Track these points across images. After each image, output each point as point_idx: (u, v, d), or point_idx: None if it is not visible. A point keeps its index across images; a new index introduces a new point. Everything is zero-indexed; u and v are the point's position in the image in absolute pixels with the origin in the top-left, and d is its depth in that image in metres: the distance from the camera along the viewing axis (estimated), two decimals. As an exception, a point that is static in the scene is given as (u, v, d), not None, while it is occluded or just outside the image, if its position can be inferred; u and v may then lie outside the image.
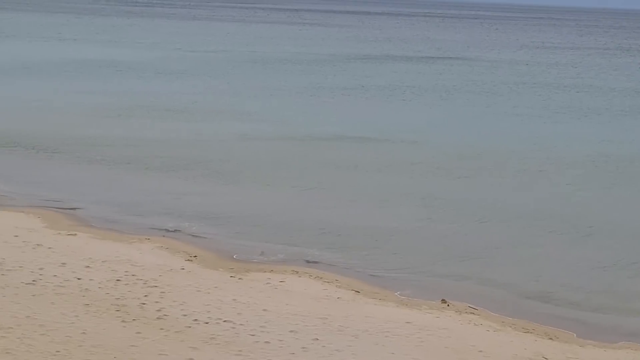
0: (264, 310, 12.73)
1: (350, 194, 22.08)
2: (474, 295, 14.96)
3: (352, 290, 14.47)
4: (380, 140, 30.00)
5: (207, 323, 11.93)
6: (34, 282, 13.11)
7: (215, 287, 13.77)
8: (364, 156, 27.09)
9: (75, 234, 16.54)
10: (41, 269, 13.82)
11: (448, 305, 14.19)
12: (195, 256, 15.87)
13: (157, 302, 12.66)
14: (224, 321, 12.06)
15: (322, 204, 21.09)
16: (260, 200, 21.19)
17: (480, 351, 11.82)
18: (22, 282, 13.07)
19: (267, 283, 14.34)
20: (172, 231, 17.84)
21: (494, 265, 16.85)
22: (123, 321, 11.73)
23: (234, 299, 13.12)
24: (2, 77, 42.99)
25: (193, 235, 17.67)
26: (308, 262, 16.31)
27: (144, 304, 12.54)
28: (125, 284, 13.44)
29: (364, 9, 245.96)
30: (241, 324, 12.00)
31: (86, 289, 13.04)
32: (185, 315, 12.18)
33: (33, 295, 12.48)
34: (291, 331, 11.90)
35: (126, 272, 14.16)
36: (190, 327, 11.75)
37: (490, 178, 24.83)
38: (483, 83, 50.88)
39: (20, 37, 69.78)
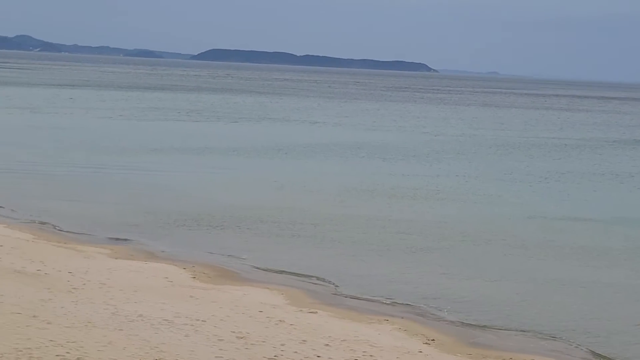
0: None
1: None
2: None
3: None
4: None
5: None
6: (275, 358, 13.43)
7: (453, 372, 13.57)
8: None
9: (316, 312, 16.84)
10: (283, 345, 14.14)
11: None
12: (433, 339, 15.74)
13: (393, 384, 12.61)
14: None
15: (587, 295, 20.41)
16: (509, 287, 20.82)
17: None
18: (264, 357, 13.41)
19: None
20: (410, 312, 17.85)
21: None
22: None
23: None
24: (256, 157, 45.03)
25: (431, 317, 17.58)
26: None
27: (380, 385, 12.52)
28: (363, 365, 13.52)
29: (614, 94, 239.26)
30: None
31: (325, 367, 13.23)
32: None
33: (275, 372, 12.78)
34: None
35: (364, 352, 14.22)
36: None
37: None
38: None
39: (275, 120, 73.11)
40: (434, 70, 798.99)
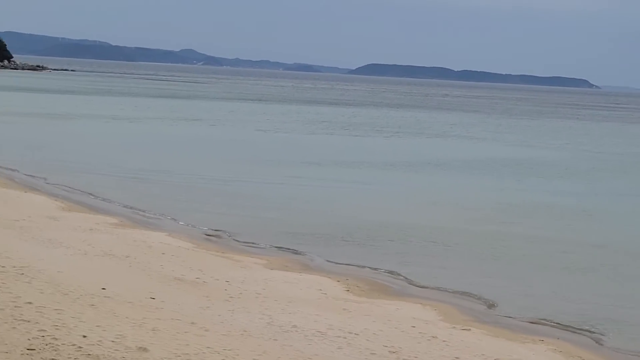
0: None
1: None
2: None
3: None
4: None
5: None
6: (427, 374, 13.38)
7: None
8: None
9: (469, 329, 16.64)
10: (437, 362, 14.08)
11: None
12: (590, 363, 15.33)
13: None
14: None
15: None
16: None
17: None
18: (416, 373, 13.39)
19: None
20: (567, 334, 17.42)
21: None
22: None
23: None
24: (412, 172, 44.99)
25: (591, 341, 17.10)
26: None
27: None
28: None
29: None
30: None
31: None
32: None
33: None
34: None
35: (520, 372, 14.00)
36: None
37: None
38: None
39: (431, 135, 72.88)
40: (595, 86, 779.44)
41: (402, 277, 21.44)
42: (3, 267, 16.84)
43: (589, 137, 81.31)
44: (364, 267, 22.34)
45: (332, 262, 22.64)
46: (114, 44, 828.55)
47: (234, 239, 24.82)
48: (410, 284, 20.98)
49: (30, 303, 14.25)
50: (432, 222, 29.44)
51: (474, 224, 29.66)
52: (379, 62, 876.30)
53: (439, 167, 47.70)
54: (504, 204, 34.87)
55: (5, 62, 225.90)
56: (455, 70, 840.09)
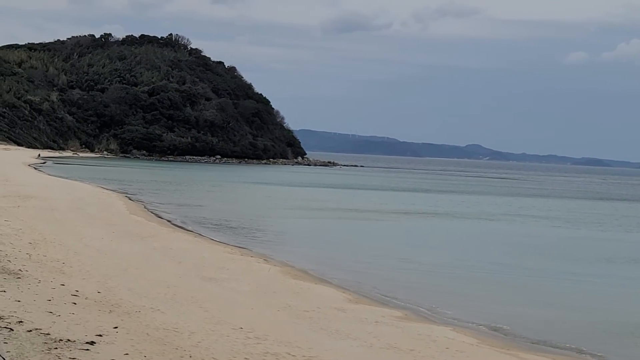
0: None
1: None
2: None
3: None
4: None
5: None
6: None
7: None
8: None
9: None
10: None
11: None
12: None
13: None
14: None
15: None
16: None
17: None
18: None
19: None
20: None
21: None
22: None
23: None
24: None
25: None
26: None
27: None
28: None
29: None
30: None
31: None
32: None
33: None
34: None
35: None
36: None
37: None
38: None
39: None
40: None
41: None
42: (294, 356, 17.43)
43: None
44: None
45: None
46: (401, 140, 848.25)
47: (521, 336, 24.25)
48: None
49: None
50: None
51: None
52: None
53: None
54: None
55: (300, 158, 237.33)
56: None
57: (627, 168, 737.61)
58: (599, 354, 22.54)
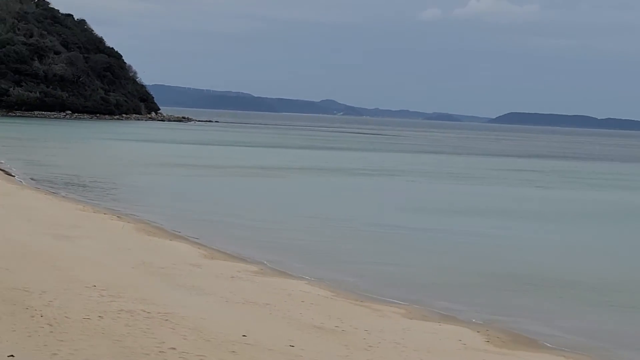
0: None
1: None
2: None
3: None
4: None
5: None
6: None
7: None
8: None
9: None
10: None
11: None
12: None
13: None
14: None
15: None
16: None
17: None
18: None
19: None
20: None
21: None
22: None
23: None
24: (586, 222, 44.12)
25: None
26: None
27: None
28: None
29: None
30: None
31: None
32: None
33: None
34: None
35: None
36: None
37: None
38: None
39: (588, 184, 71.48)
40: None
41: (547, 330, 20.92)
42: (149, 312, 17.32)
43: None
44: (505, 316, 21.96)
45: (471, 311, 22.30)
46: (255, 95, 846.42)
47: (371, 288, 24.76)
48: (552, 335, 20.45)
49: (173, 349, 14.60)
50: (604, 272, 28.81)
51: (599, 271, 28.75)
52: (518, 111, 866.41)
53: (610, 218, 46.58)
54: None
55: (153, 113, 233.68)
56: (599, 118, 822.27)
57: (475, 123, 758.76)
58: (444, 302, 23.25)
